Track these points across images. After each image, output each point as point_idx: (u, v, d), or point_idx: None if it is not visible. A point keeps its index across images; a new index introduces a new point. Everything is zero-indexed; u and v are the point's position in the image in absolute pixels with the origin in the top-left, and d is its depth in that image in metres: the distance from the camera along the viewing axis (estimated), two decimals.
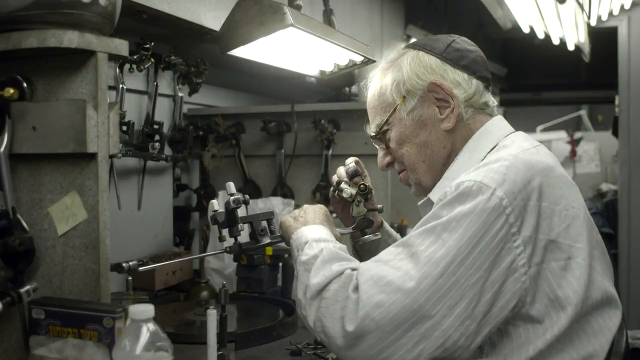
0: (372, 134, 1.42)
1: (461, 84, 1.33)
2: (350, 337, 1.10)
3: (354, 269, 1.18)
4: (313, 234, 1.31)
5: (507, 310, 1.11)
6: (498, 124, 1.36)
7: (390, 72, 1.38)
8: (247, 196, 1.46)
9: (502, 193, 1.11)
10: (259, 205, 2.46)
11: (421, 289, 1.08)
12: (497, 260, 1.09)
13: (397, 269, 1.12)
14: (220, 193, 2.43)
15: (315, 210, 1.41)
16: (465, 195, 1.13)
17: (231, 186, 1.46)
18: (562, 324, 1.12)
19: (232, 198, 1.43)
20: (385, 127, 1.39)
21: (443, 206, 1.15)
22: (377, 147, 1.45)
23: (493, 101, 1.39)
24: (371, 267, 1.15)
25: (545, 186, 1.15)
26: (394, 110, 1.36)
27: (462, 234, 1.10)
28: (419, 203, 1.41)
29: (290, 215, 1.43)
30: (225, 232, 1.45)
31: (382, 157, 1.45)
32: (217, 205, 1.46)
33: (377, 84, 1.41)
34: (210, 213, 1.46)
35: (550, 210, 1.14)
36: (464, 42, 1.39)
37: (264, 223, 1.47)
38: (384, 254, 1.17)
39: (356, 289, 1.13)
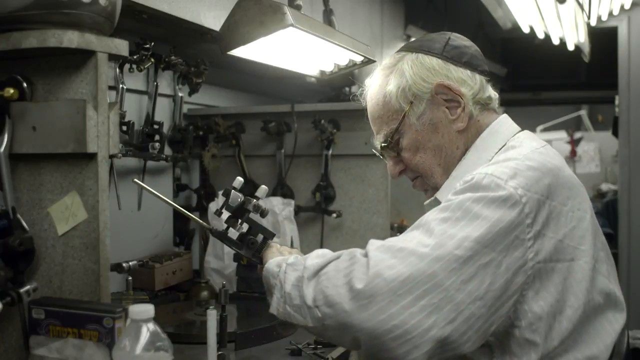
0: (383, 144, 1.36)
1: (466, 82, 1.31)
2: (359, 296, 1.04)
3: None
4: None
5: (511, 302, 1.08)
6: (505, 123, 1.34)
7: (392, 78, 1.34)
8: (267, 210, 1.44)
9: (516, 183, 1.10)
10: None
11: (436, 256, 1.04)
12: (511, 247, 1.07)
13: (410, 240, 1.09)
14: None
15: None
16: (477, 186, 1.11)
17: (262, 190, 1.45)
18: (564, 327, 1.11)
19: (255, 202, 1.42)
20: (396, 136, 1.34)
21: (454, 195, 1.13)
22: (386, 156, 1.40)
23: (495, 94, 1.37)
24: (381, 241, 1.11)
25: (554, 186, 1.14)
26: (403, 116, 1.32)
27: (477, 215, 1.07)
28: (425, 202, 1.38)
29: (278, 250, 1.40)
30: (225, 214, 1.43)
31: (393, 166, 1.39)
32: (238, 186, 1.43)
33: (378, 92, 1.36)
34: (230, 188, 1.42)
35: (558, 211, 1.13)
36: (459, 39, 1.37)
37: (260, 237, 1.43)
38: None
39: (365, 255, 1.09)
